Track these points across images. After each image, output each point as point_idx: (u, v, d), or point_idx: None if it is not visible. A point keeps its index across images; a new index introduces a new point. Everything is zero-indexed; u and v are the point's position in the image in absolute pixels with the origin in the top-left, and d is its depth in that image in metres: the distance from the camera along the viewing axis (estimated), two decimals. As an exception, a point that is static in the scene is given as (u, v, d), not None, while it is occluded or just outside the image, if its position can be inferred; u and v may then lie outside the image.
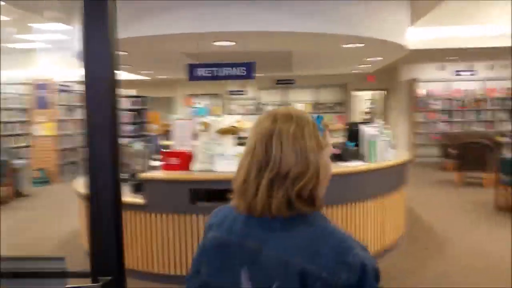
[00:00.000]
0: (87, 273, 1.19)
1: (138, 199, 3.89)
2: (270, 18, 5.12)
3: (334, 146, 6.20)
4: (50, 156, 9.53)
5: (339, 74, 13.07)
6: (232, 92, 14.06)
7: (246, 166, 0.98)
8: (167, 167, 4.12)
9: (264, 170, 0.94)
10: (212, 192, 3.96)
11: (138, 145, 4.52)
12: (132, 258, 3.95)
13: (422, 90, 11.71)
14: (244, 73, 5.96)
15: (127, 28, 5.14)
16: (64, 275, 1.24)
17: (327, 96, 14.30)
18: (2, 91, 9.36)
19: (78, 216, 4.91)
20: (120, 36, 1.29)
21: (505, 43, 8.15)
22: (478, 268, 4.23)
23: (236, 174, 1.01)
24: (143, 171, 4.08)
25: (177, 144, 4.40)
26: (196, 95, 14.57)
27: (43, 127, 9.56)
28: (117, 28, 1.20)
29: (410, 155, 6.49)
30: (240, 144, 4.43)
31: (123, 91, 10.66)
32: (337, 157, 4.37)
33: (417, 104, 11.69)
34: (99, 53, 1.16)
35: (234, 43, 6.16)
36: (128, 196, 3.94)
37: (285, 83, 13.85)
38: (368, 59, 9.04)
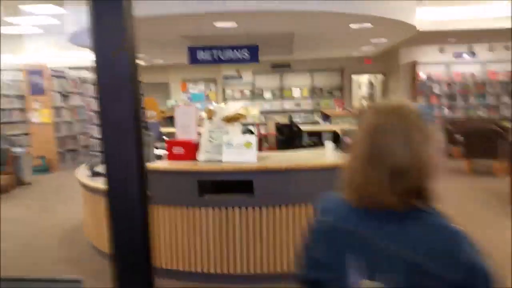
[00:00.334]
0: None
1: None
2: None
3: (345, 134, 6.01)
4: (50, 144, 9.32)
5: (337, 57, 12.77)
6: (227, 77, 13.68)
7: (355, 160, 1.01)
8: (172, 156, 3.90)
9: (373, 165, 0.96)
10: (218, 184, 3.76)
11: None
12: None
13: (422, 74, 11.49)
14: (247, 56, 5.69)
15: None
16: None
17: (325, 80, 13.94)
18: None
19: (83, 204, 4.75)
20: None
21: (505, 24, 7.91)
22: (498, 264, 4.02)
23: (346, 167, 1.04)
24: (148, 161, 3.85)
25: (179, 132, 4.16)
26: (189, 80, 14.18)
27: (40, 114, 9.29)
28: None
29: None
30: (245, 132, 4.20)
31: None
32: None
33: (418, 88, 11.48)
34: (112, 31, 0.93)
35: (236, 25, 5.88)
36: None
37: (280, 67, 13.51)
38: (372, 40, 8.79)
